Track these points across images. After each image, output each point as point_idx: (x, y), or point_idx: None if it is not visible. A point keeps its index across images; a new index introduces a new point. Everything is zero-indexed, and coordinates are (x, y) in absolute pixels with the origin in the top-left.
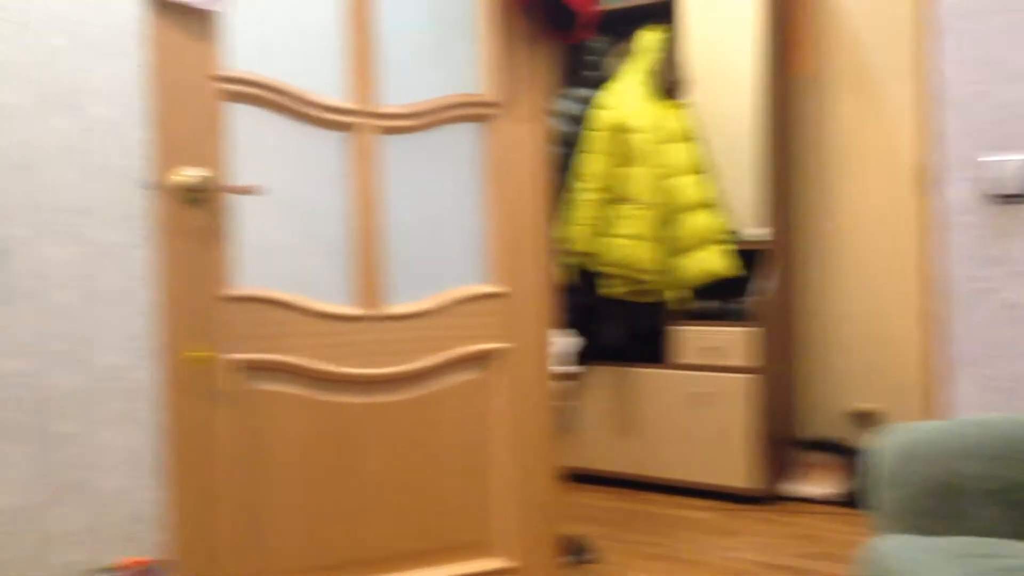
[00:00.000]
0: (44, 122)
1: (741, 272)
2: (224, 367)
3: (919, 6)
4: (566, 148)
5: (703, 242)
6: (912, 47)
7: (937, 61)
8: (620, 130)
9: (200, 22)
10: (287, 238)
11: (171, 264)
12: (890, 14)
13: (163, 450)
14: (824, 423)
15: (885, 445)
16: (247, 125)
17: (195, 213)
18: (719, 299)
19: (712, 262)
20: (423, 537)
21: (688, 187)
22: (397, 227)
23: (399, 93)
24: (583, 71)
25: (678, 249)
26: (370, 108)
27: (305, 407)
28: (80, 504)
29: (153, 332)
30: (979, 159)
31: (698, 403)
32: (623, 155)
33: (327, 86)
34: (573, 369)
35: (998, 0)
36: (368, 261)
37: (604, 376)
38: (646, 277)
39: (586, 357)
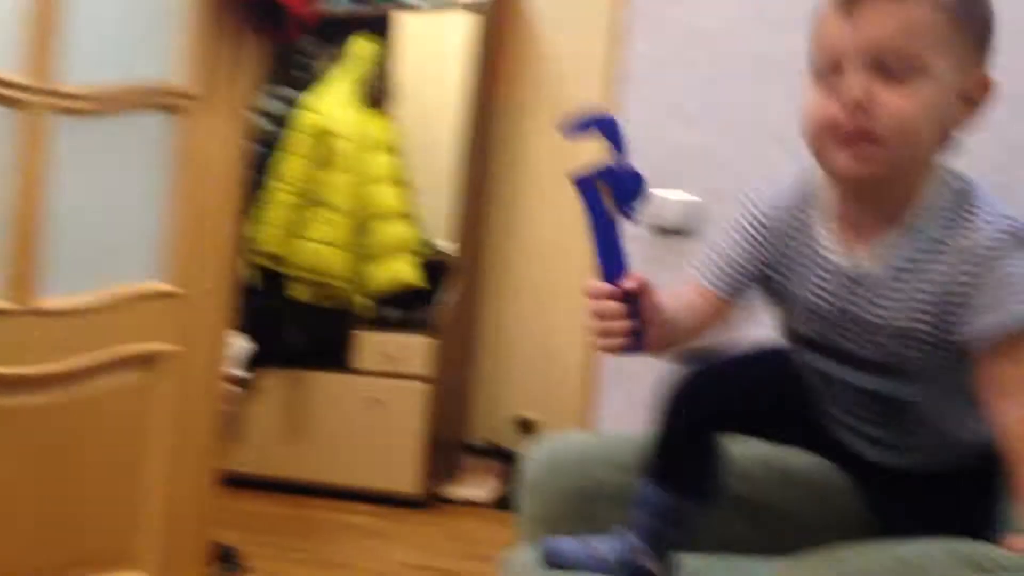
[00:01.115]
0: None
1: (427, 283)
2: None
3: (611, 51)
4: (266, 147)
5: (395, 251)
6: (603, 86)
7: (623, 103)
8: (323, 134)
9: None
10: None
11: None
12: (587, 54)
13: None
14: (492, 430)
15: (533, 452)
16: None
17: None
18: (404, 308)
19: (402, 271)
20: (62, 551)
21: (386, 196)
22: (63, 216)
23: (92, 76)
24: (292, 71)
25: (369, 256)
26: (47, 85)
27: None
28: None
29: None
30: (652, 194)
31: (373, 409)
32: (323, 159)
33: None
34: (243, 374)
35: (677, 53)
36: (20, 250)
37: (278, 380)
38: (335, 283)
39: (259, 361)
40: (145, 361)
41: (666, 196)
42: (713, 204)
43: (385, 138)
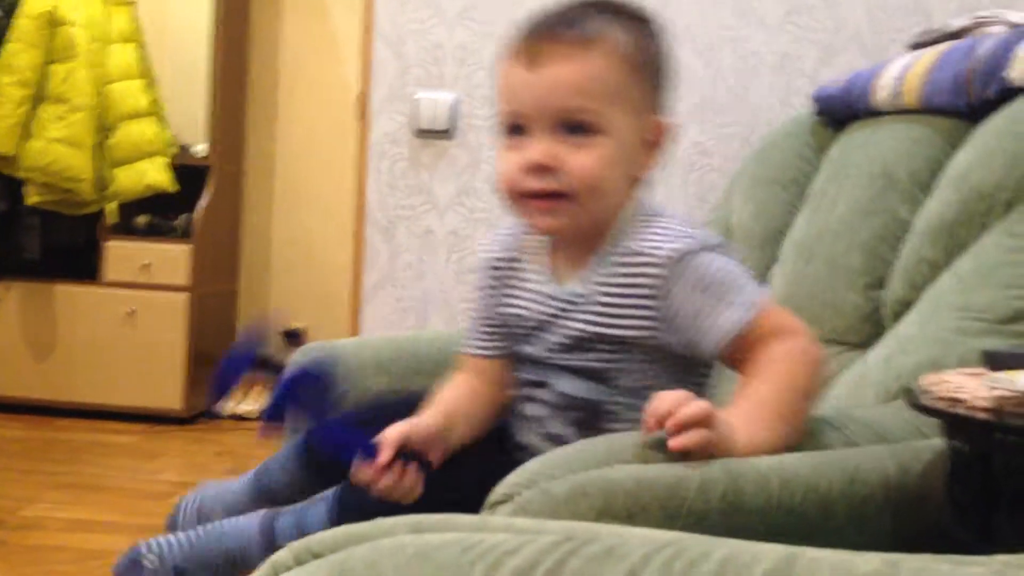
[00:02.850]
0: None
1: (181, 188)
2: None
3: None
4: None
5: (143, 154)
6: None
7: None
8: (53, 22)
9: None
10: None
11: None
12: None
13: None
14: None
15: (297, 361)
16: None
17: None
18: (156, 215)
19: (152, 175)
20: None
21: (130, 93)
22: None
23: None
24: None
25: (115, 159)
26: None
27: None
28: None
29: None
30: (413, 96)
31: (129, 323)
32: (56, 50)
33: None
34: None
35: None
36: None
37: (19, 292)
38: (77, 187)
39: None
40: None
41: (426, 96)
42: (472, 104)
43: (129, 29)
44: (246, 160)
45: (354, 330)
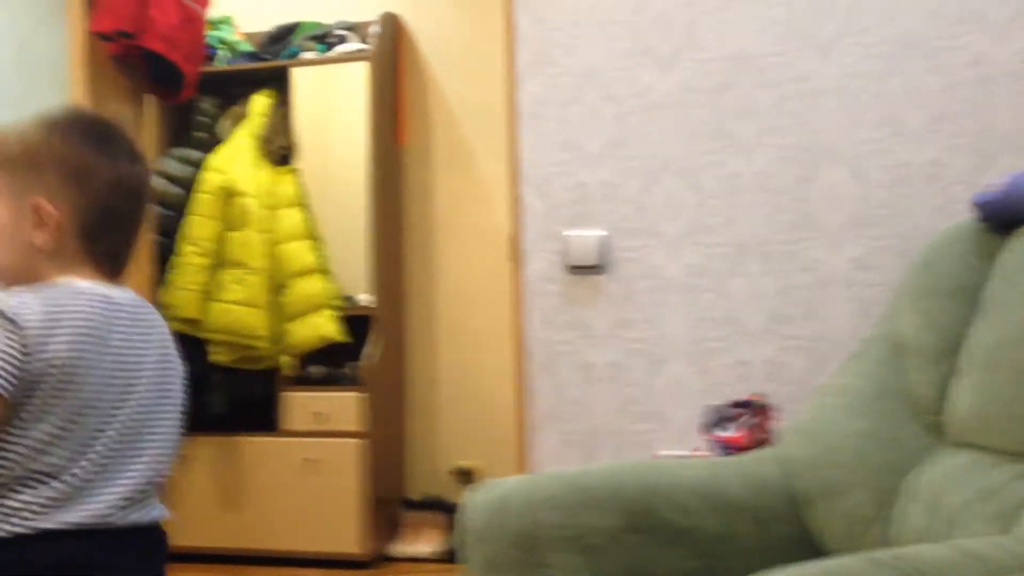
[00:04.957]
0: None
1: (350, 338)
2: None
3: (507, 90)
4: (173, 211)
5: (314, 308)
6: (503, 128)
7: (520, 143)
8: (228, 194)
9: None
10: None
11: None
12: (484, 96)
13: None
14: (430, 482)
15: (474, 501)
16: None
17: None
18: (329, 365)
19: (323, 327)
20: None
21: (299, 253)
22: None
23: None
24: (194, 132)
25: (288, 315)
26: None
27: None
28: None
29: None
30: (562, 233)
31: (308, 470)
32: (231, 219)
33: None
34: None
35: (572, 91)
36: None
37: (207, 447)
38: (256, 343)
39: (184, 429)
40: None
41: (575, 234)
42: (621, 239)
43: (293, 194)
44: (407, 306)
45: (521, 466)
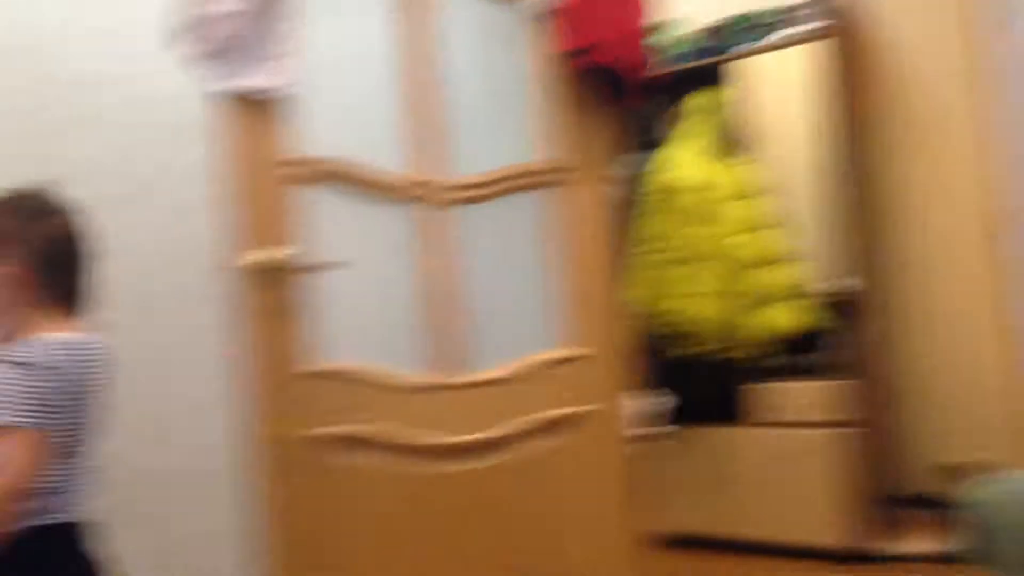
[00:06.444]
0: (127, 212)
1: (825, 325)
2: (301, 442)
3: (976, 54)
4: (626, 211)
5: (774, 297)
6: (971, 95)
7: (993, 108)
8: (677, 190)
9: (264, 110)
10: (363, 312)
11: (251, 344)
12: (947, 62)
13: (249, 529)
14: (920, 477)
15: (995, 496)
16: (321, 204)
17: (272, 293)
18: (800, 353)
19: (785, 317)
20: None
21: (753, 243)
22: (474, 296)
23: (465, 164)
24: (640, 134)
25: (748, 306)
26: (439, 180)
27: (388, 478)
28: None
29: (235, 411)
30: None
31: (783, 461)
32: (684, 215)
33: (396, 160)
34: (655, 430)
35: None
36: (446, 330)
37: (682, 437)
38: (715, 336)
39: (667, 418)
40: (561, 423)
41: None
42: None
43: (744, 186)
44: (884, 289)
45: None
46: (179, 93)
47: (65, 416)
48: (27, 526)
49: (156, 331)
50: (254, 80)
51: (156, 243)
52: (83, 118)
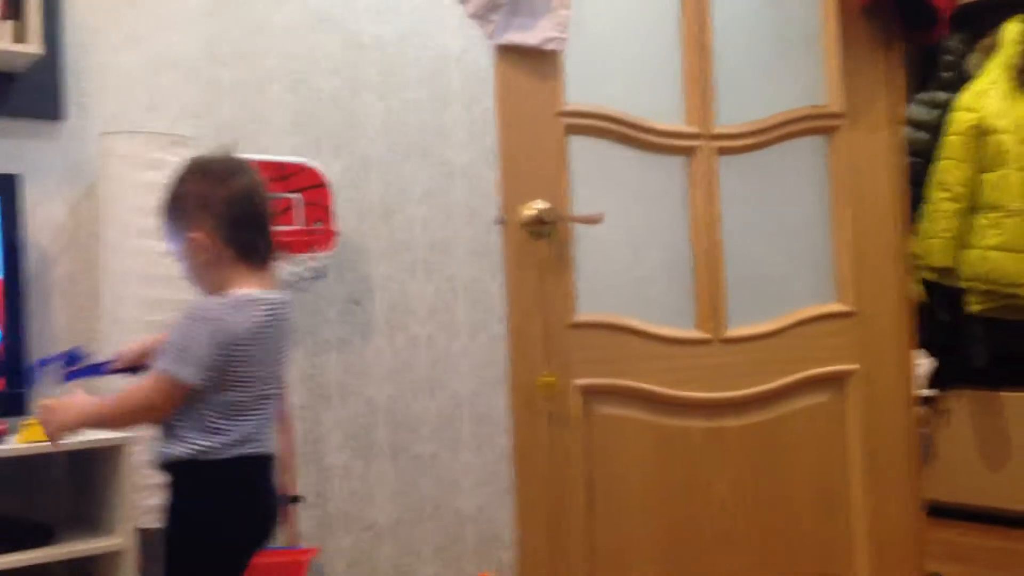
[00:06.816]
0: (405, 170)
1: None
2: (570, 392)
3: None
4: (919, 157)
5: None
6: None
7: None
8: (981, 132)
9: (542, 62)
10: (629, 264)
11: (520, 295)
12: None
13: (513, 472)
14: None
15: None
16: (589, 156)
17: (541, 245)
18: None
19: None
20: (774, 566)
21: None
22: (736, 248)
23: (735, 111)
24: (937, 72)
25: None
26: (708, 130)
27: (649, 431)
28: (439, 521)
29: (503, 359)
30: None
31: None
32: (985, 159)
33: (664, 110)
34: (928, 393)
35: None
36: (709, 284)
37: (966, 401)
38: (1018, 292)
39: (944, 380)
40: (829, 381)
41: None
42: None
43: None
44: None
45: None
46: (465, 48)
47: (235, 366)
48: (228, 456)
49: (433, 285)
50: (535, 33)
51: (431, 199)
52: (368, 81)
